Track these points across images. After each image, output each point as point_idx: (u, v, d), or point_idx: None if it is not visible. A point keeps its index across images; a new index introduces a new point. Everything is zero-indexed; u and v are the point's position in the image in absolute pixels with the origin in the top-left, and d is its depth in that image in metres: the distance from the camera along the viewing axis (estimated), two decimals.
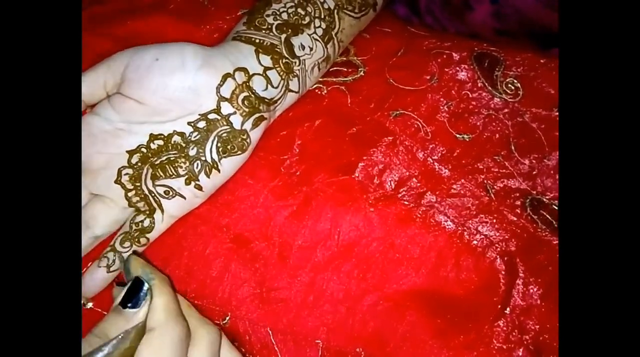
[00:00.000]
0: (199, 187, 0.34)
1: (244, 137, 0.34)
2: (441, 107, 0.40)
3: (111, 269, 0.33)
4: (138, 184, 0.34)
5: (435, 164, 0.38)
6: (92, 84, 0.34)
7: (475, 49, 0.42)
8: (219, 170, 0.34)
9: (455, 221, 0.37)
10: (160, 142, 0.34)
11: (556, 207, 0.37)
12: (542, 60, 0.42)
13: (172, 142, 0.34)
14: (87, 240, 0.34)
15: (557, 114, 0.40)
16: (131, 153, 0.34)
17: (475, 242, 0.36)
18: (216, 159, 0.34)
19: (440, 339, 0.34)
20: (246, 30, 0.36)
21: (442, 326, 0.34)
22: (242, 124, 0.34)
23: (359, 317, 0.34)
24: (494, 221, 0.37)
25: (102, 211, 0.34)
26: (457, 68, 0.41)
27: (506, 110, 0.40)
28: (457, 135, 0.40)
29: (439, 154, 0.39)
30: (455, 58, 0.42)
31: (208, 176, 0.34)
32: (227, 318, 0.34)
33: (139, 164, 0.34)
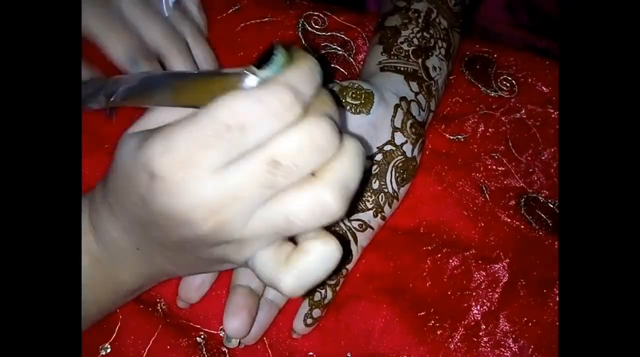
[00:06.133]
0: (384, 218, 0.35)
1: (414, 164, 0.35)
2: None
3: (325, 302, 0.33)
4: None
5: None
6: None
7: (467, 53, 0.43)
8: (398, 199, 0.35)
9: None
10: None
11: (551, 205, 0.38)
12: (534, 60, 0.43)
13: None
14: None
15: (552, 110, 0.41)
16: None
17: None
18: (396, 189, 0.34)
19: (418, 334, 0.33)
20: (387, 59, 0.37)
21: (423, 321, 0.34)
22: (412, 151, 0.35)
23: (343, 324, 0.34)
24: (487, 221, 0.37)
25: None
26: None
27: (502, 109, 0.41)
28: (451, 137, 0.40)
29: (435, 156, 0.39)
30: None
31: (390, 206, 0.35)
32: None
33: None
